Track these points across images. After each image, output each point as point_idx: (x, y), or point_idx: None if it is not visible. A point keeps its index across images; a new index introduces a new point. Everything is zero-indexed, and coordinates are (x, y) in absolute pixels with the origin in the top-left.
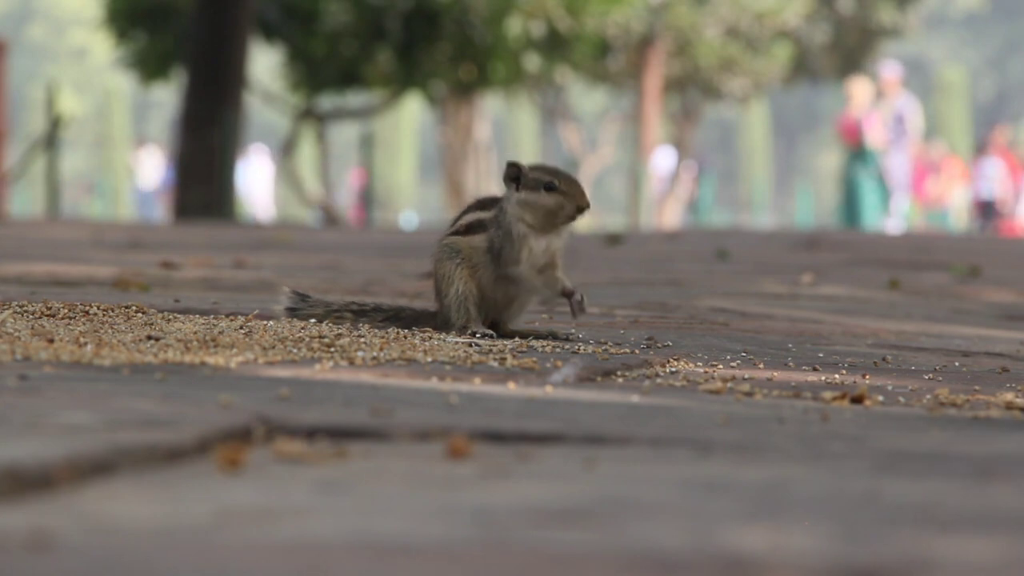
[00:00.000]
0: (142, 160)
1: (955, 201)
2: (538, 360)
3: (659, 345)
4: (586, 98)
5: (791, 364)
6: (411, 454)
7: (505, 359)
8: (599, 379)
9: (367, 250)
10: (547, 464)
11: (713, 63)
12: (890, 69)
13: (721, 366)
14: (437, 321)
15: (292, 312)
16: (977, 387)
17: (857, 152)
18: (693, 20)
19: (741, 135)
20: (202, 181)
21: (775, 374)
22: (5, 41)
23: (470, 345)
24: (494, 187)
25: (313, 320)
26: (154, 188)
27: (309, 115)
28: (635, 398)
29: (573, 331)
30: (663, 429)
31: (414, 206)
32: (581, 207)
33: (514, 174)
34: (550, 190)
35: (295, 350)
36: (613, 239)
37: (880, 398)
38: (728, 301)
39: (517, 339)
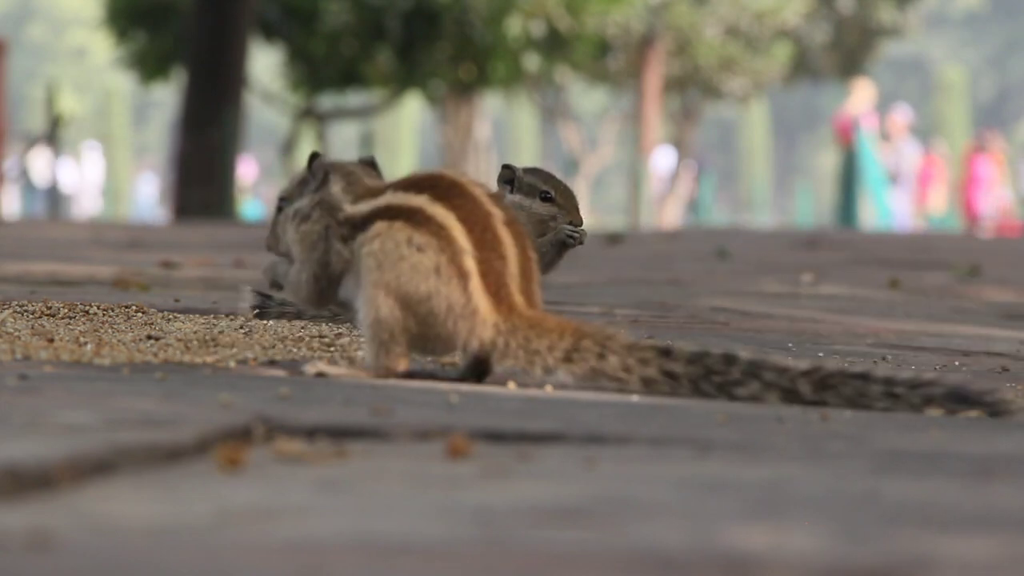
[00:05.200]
0: (34, 159)
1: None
2: None
3: None
4: (586, 98)
5: None
6: (411, 454)
7: None
8: None
9: None
10: (547, 464)
11: (713, 63)
12: (901, 113)
13: None
14: None
15: (255, 309)
16: None
17: (851, 151)
18: (693, 20)
19: (741, 135)
20: (202, 181)
21: None
22: (5, 41)
23: None
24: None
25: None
26: (45, 187)
27: (309, 115)
28: (635, 397)
29: None
30: (663, 428)
31: None
32: (574, 223)
33: (508, 177)
34: (546, 199)
35: (295, 349)
36: (613, 238)
37: None
38: (728, 301)
39: None
